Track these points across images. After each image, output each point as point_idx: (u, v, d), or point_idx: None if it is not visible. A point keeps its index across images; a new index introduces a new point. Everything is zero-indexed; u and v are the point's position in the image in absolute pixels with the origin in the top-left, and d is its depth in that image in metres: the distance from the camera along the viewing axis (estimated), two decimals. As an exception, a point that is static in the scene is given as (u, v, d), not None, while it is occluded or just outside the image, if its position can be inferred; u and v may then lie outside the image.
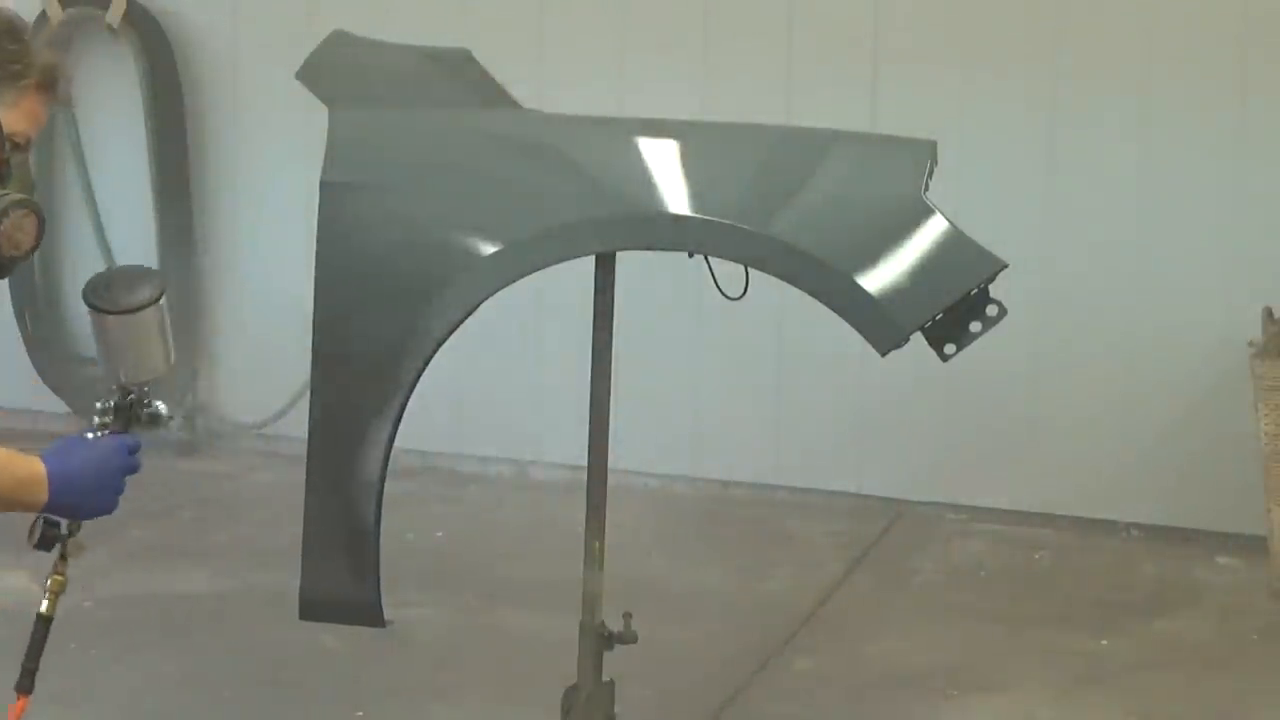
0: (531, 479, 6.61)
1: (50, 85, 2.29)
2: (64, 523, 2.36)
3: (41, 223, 2.31)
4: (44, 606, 2.45)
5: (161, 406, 2.47)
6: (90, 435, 2.39)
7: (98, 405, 2.43)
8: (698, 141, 3.37)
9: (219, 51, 6.96)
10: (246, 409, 7.00)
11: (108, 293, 2.38)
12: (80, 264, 7.15)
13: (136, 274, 2.42)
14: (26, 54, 2.24)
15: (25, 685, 2.45)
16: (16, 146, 2.25)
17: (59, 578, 2.43)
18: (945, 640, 4.99)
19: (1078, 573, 5.67)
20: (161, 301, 2.38)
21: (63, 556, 2.41)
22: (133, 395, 2.44)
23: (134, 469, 2.37)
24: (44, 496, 2.23)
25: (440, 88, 3.52)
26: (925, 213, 3.06)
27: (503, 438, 6.68)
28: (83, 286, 2.39)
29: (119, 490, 2.34)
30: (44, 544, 2.36)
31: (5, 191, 2.26)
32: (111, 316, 2.36)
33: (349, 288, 3.18)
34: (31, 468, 2.23)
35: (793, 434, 6.35)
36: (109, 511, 2.33)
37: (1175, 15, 5.77)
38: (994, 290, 3.05)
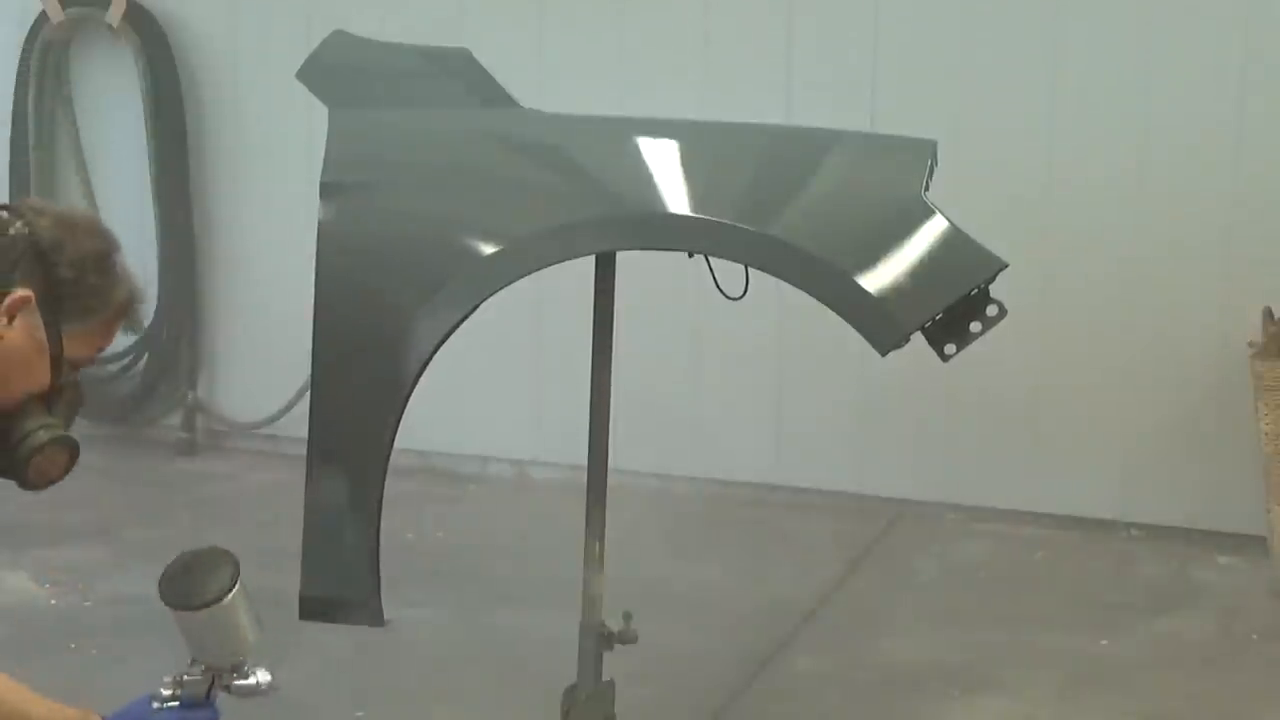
0: (531, 479, 6.61)
1: (124, 315, 2.26)
2: None
3: (74, 458, 2.30)
4: None
5: (261, 678, 2.41)
6: (155, 705, 2.36)
7: (165, 679, 2.39)
8: (698, 141, 3.37)
9: (219, 51, 6.96)
10: (246, 409, 7.01)
11: (184, 584, 2.34)
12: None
13: (208, 557, 2.37)
14: (110, 289, 2.20)
15: None
16: (74, 369, 2.23)
17: None
18: (945, 640, 4.99)
19: (1078, 573, 5.67)
20: (238, 585, 2.33)
21: None
22: (221, 670, 2.39)
23: None
24: None
25: (440, 88, 3.52)
26: (925, 213, 3.06)
27: (503, 438, 6.68)
28: (158, 581, 2.34)
29: None
30: None
31: (49, 422, 2.23)
32: (196, 613, 2.32)
33: (349, 288, 3.18)
34: None
35: (793, 434, 6.35)
36: None
37: (1175, 14, 5.77)
38: (994, 290, 3.05)
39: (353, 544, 3.15)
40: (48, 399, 2.22)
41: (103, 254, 2.20)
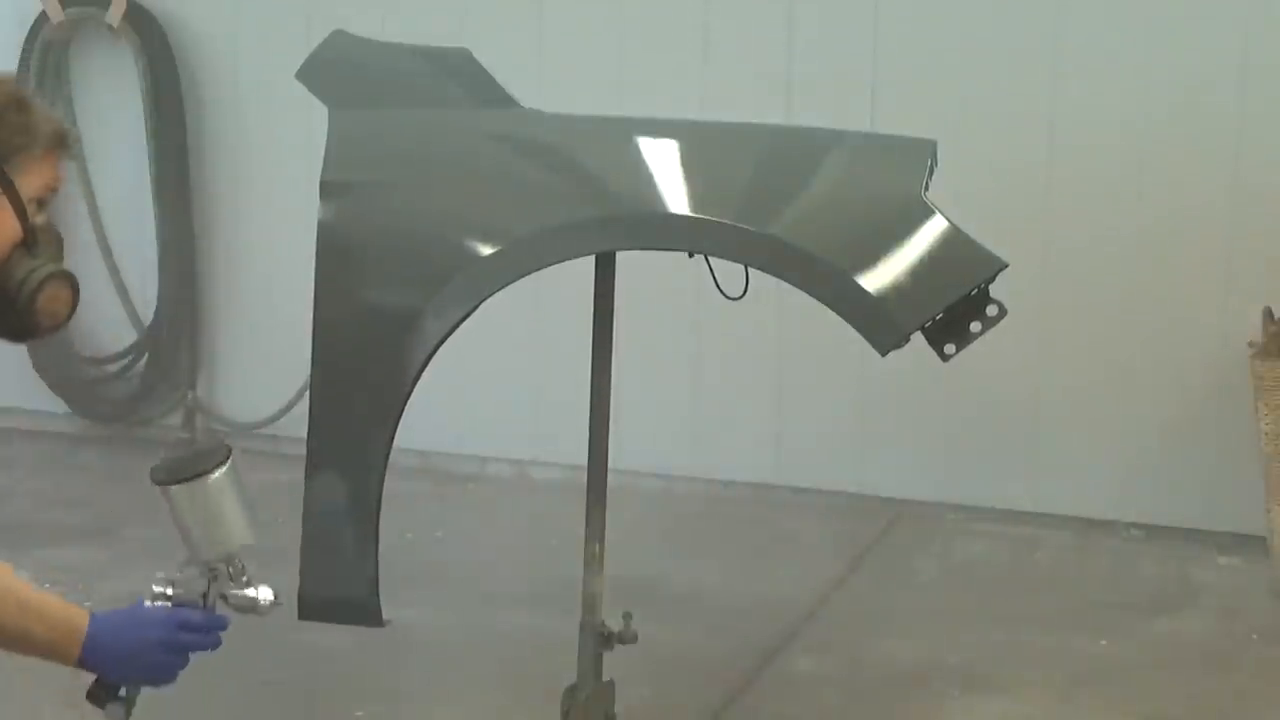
0: (531, 479, 6.61)
1: (59, 146, 2.30)
2: (120, 687, 2.32)
3: (76, 292, 2.31)
4: None
5: (261, 593, 2.38)
6: (146, 603, 2.35)
7: (159, 575, 2.38)
8: (698, 141, 3.37)
9: (219, 51, 6.96)
10: (246, 409, 7.01)
11: (176, 466, 2.35)
12: (80, 263, 7.14)
13: (205, 447, 2.38)
14: (32, 125, 2.25)
15: None
16: (40, 206, 2.27)
17: None
18: (945, 640, 4.99)
19: (1078, 573, 5.67)
20: (226, 468, 2.32)
21: None
22: (217, 573, 2.36)
23: (187, 646, 2.30)
24: (75, 651, 2.23)
25: (440, 88, 3.52)
26: (925, 213, 3.06)
27: (503, 438, 6.68)
28: (151, 470, 2.35)
29: (166, 664, 2.30)
30: (91, 697, 2.30)
31: (40, 262, 2.24)
32: (174, 488, 2.33)
33: (349, 287, 3.18)
34: (71, 621, 2.24)
35: (793, 434, 6.35)
36: (153, 682, 2.31)
37: (1176, 14, 5.77)
38: (994, 290, 3.05)
39: (353, 544, 3.16)
40: (28, 246, 2.23)
41: (14, 94, 2.27)
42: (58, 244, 2.32)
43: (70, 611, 2.25)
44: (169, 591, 2.34)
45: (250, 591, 2.37)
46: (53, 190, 2.29)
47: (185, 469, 2.33)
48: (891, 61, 6.08)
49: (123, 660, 2.27)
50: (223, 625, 2.34)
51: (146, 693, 2.34)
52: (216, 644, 2.33)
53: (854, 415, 6.25)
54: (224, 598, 2.36)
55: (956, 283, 3.01)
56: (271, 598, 2.38)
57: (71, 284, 2.30)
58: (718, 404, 6.42)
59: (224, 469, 2.31)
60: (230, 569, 2.36)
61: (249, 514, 2.35)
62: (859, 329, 3.00)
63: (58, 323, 2.31)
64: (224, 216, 7.03)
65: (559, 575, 4.63)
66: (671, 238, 3.15)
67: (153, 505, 5.82)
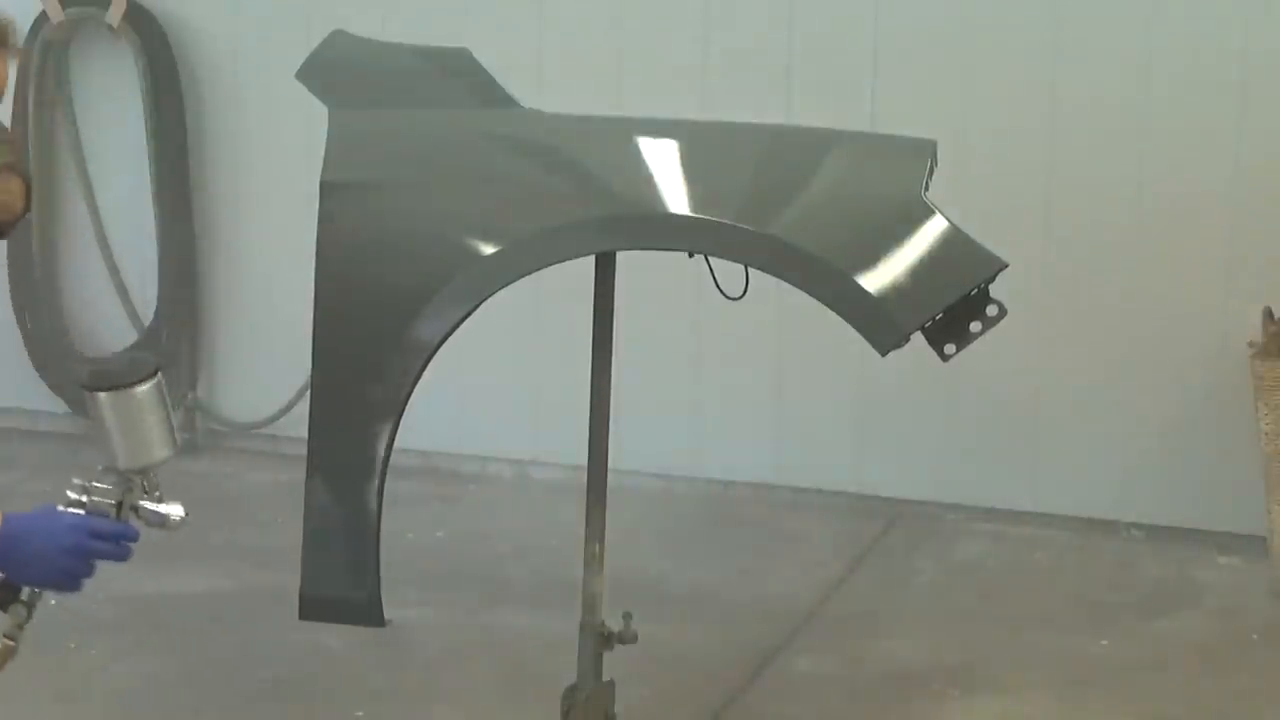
0: (531, 479, 6.61)
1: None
2: (24, 590, 2.36)
3: (28, 185, 2.32)
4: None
5: (172, 509, 2.40)
6: (59, 508, 2.36)
7: (74, 481, 2.40)
8: (698, 141, 3.37)
9: (219, 51, 6.96)
10: (246, 409, 7.01)
11: (104, 374, 2.38)
12: (80, 263, 7.16)
13: (134, 357, 2.43)
14: None
15: None
16: None
17: (8, 642, 2.41)
18: (945, 640, 4.99)
19: (1078, 573, 5.67)
20: (154, 383, 2.37)
21: (17, 625, 2.40)
22: (132, 484, 2.39)
23: (96, 553, 2.30)
24: None
25: (440, 88, 3.52)
26: (925, 213, 3.06)
27: (503, 438, 6.68)
28: (83, 375, 2.39)
29: (72, 570, 2.30)
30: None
31: None
32: (102, 395, 2.36)
33: (349, 288, 3.18)
34: None
35: (793, 434, 6.35)
36: (58, 587, 2.32)
37: (1176, 15, 5.77)
38: (994, 290, 3.05)
39: (353, 544, 3.16)
40: None
41: None
42: (16, 143, 2.33)
43: None
44: (83, 499, 2.38)
45: (162, 507, 2.41)
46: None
47: (114, 378, 2.37)
48: (891, 61, 6.08)
49: (30, 561, 2.29)
50: (133, 537, 2.36)
51: (74, 614, 2.37)
52: (125, 555, 2.34)
53: (854, 415, 6.25)
54: (135, 510, 2.39)
55: (956, 283, 3.01)
56: (181, 514, 2.42)
57: (22, 176, 2.30)
58: (718, 404, 6.42)
59: (151, 383, 2.37)
60: (145, 482, 2.41)
61: (169, 431, 2.41)
62: (859, 329, 3.00)
63: (13, 216, 2.33)
64: (224, 216, 7.02)
65: (559, 575, 4.64)
66: (671, 238, 3.15)
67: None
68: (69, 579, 2.31)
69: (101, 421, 2.39)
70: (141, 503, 2.39)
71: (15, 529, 2.27)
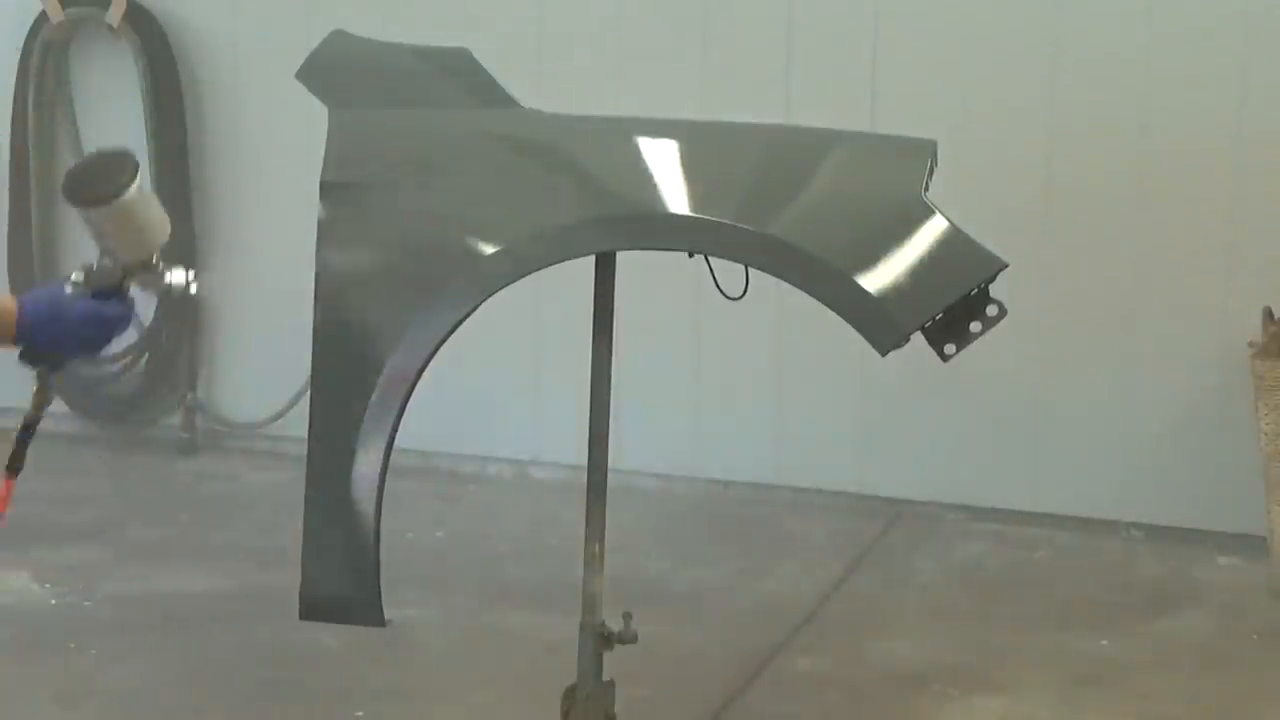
0: (531, 479, 6.61)
1: None
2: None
3: None
4: (29, 413, 2.64)
5: (174, 276, 2.54)
6: (68, 289, 2.50)
7: (79, 265, 2.52)
8: (698, 141, 3.37)
9: (219, 51, 6.96)
10: (246, 409, 7.01)
11: (87, 182, 2.44)
12: (80, 263, 7.15)
13: (109, 157, 2.47)
14: None
15: (15, 466, 2.66)
16: None
17: (42, 395, 2.63)
18: (945, 640, 4.99)
19: (1078, 573, 5.67)
20: (137, 180, 2.44)
21: (41, 384, 2.59)
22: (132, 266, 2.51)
23: (110, 330, 2.51)
24: (10, 333, 2.48)
25: (440, 88, 3.52)
26: (925, 213, 3.06)
27: (503, 438, 6.68)
28: (62, 183, 2.48)
29: (90, 343, 2.52)
30: (23, 357, 2.54)
31: None
32: (92, 210, 2.42)
33: (349, 288, 3.18)
34: (2, 304, 2.47)
35: (793, 434, 6.35)
36: (80, 356, 2.57)
37: (1176, 15, 5.77)
38: (994, 290, 3.05)
39: (353, 544, 3.15)
40: None
41: None
42: None
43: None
44: (85, 279, 2.49)
45: (166, 278, 2.54)
46: None
47: (99, 186, 2.42)
48: (891, 61, 6.09)
49: (50, 342, 2.51)
50: (132, 312, 2.55)
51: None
52: (126, 327, 2.55)
53: (854, 415, 6.26)
54: (140, 284, 2.52)
55: (956, 283, 3.01)
56: (184, 280, 2.54)
57: None
58: (718, 404, 6.42)
59: (136, 183, 2.43)
60: (143, 263, 2.52)
61: (161, 216, 2.50)
62: (859, 329, 3.00)
63: None
64: (224, 216, 7.03)
65: (559, 575, 4.63)
66: (671, 238, 3.15)
67: (153, 506, 5.83)
68: (89, 351, 2.56)
69: (96, 229, 2.47)
70: (145, 276, 2.51)
71: (33, 312, 2.47)
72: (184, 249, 6.97)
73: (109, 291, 2.50)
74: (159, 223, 2.50)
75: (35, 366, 2.54)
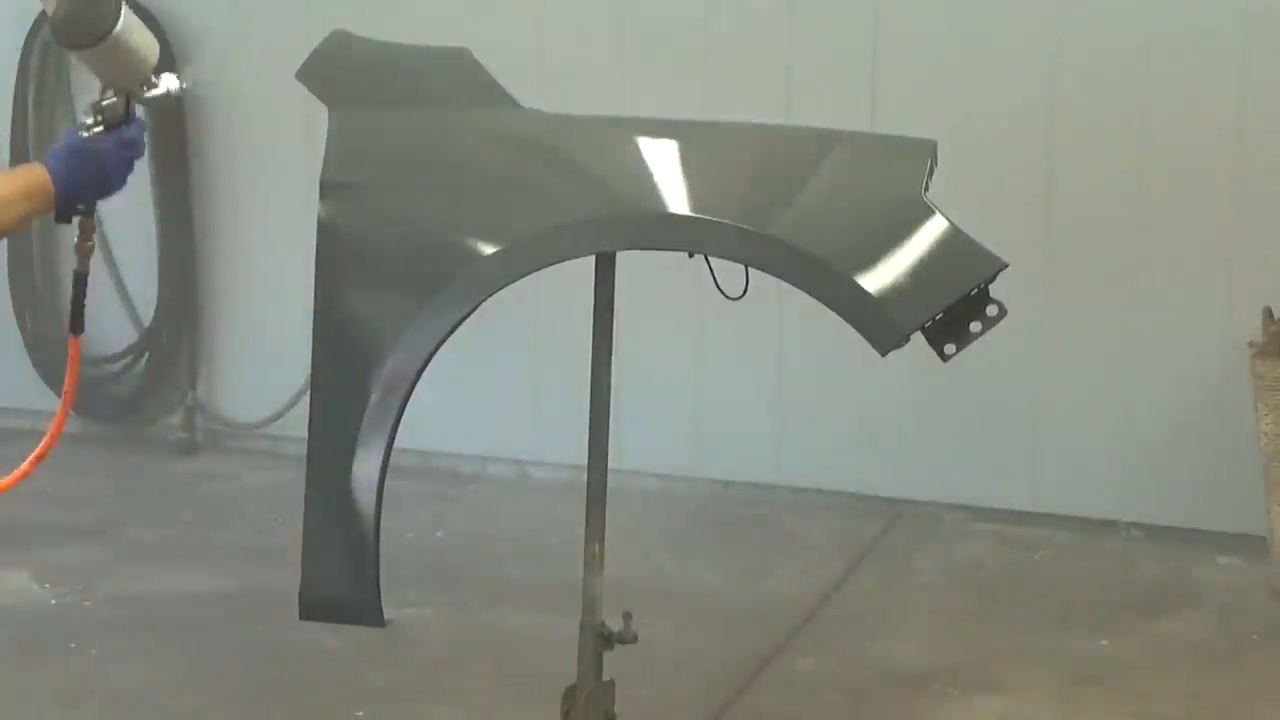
0: (531, 479, 6.61)
1: None
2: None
3: None
4: (78, 266, 2.87)
5: (169, 83, 2.72)
6: (83, 135, 2.69)
7: (85, 107, 2.74)
8: (698, 141, 3.36)
9: (219, 51, 6.96)
10: (246, 409, 7.01)
11: (75, 22, 2.58)
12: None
13: None
14: None
15: (76, 327, 2.93)
16: None
17: (88, 244, 2.85)
18: (945, 640, 4.99)
19: (1078, 573, 5.67)
20: (125, 12, 2.59)
21: (85, 230, 2.80)
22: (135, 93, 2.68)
23: (133, 158, 2.73)
24: (50, 191, 2.62)
25: (440, 88, 3.52)
26: (925, 213, 3.06)
27: (503, 438, 6.68)
28: (50, 24, 2.62)
29: (119, 178, 2.72)
30: (61, 218, 2.70)
31: None
32: (87, 51, 2.58)
33: (349, 287, 3.18)
34: (33, 172, 2.63)
35: (793, 434, 6.35)
36: (109, 193, 2.74)
37: (1176, 14, 5.77)
38: (994, 290, 3.05)
39: (353, 544, 3.15)
40: None
41: None
42: None
43: (27, 170, 2.65)
44: (100, 119, 2.70)
45: (162, 89, 2.74)
46: None
47: (91, 25, 2.58)
48: (891, 61, 6.08)
49: (88, 185, 2.69)
50: (144, 128, 2.76)
51: None
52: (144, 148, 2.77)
53: (854, 415, 6.25)
54: (141, 103, 2.68)
55: (956, 283, 3.01)
56: (178, 84, 2.74)
57: None
58: (718, 404, 6.42)
59: (124, 12, 2.58)
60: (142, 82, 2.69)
61: (149, 36, 2.68)
62: (859, 329, 3.00)
63: None
64: (224, 216, 7.02)
65: (559, 575, 4.63)
66: (671, 238, 3.15)
67: (153, 506, 5.82)
68: (118, 185, 2.74)
69: (95, 65, 2.64)
70: (146, 94, 2.68)
71: (62, 169, 2.64)
72: (184, 249, 6.98)
73: (120, 120, 2.68)
74: (150, 43, 2.67)
75: (75, 217, 2.70)
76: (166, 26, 6.94)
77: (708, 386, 6.43)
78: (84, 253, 2.84)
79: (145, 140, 2.76)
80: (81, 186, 2.66)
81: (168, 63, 6.80)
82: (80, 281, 2.86)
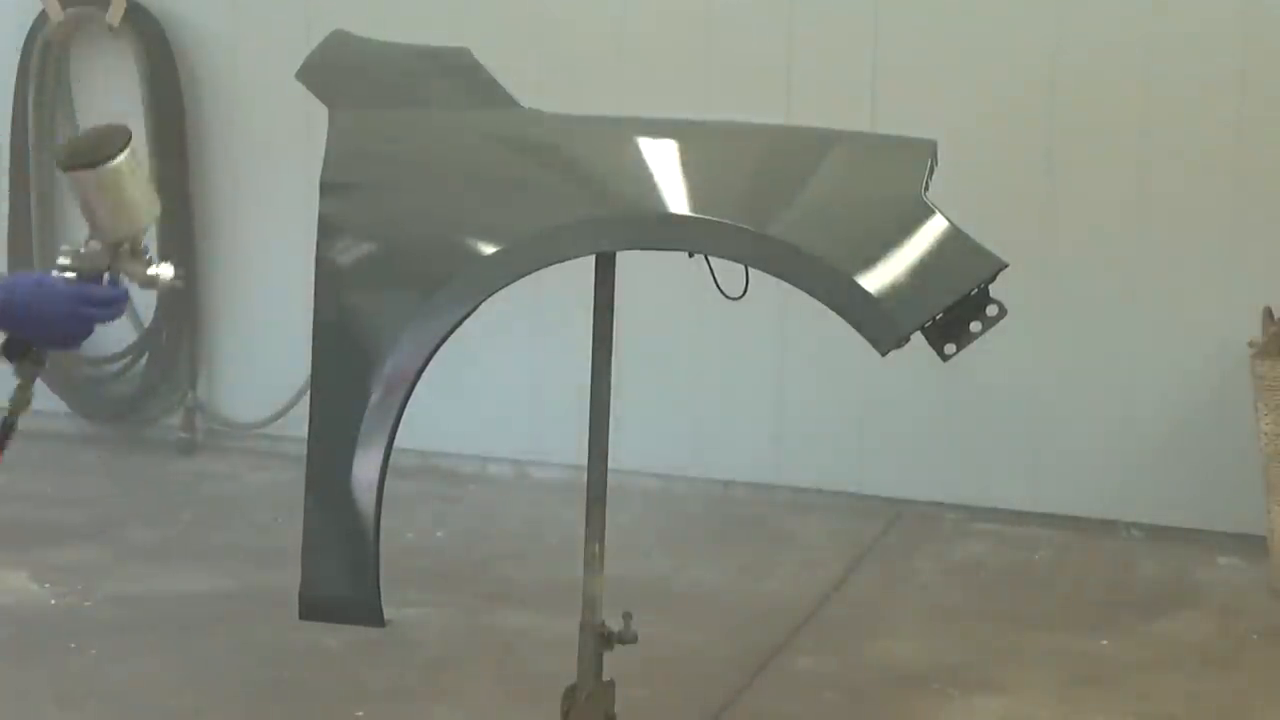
0: (531, 479, 6.61)
1: None
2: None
3: None
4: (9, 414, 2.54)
5: (162, 270, 2.53)
6: (55, 274, 2.48)
7: (63, 248, 2.51)
8: (698, 141, 3.37)
9: (219, 51, 6.96)
10: (246, 409, 7.01)
11: (80, 150, 2.45)
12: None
13: (105, 130, 2.48)
14: None
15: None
16: None
17: (25, 394, 2.54)
18: (945, 640, 4.99)
19: (1078, 573, 5.68)
20: (128, 152, 2.44)
21: (24, 379, 2.52)
22: (120, 251, 2.50)
23: (93, 319, 2.47)
24: None
25: (440, 88, 3.52)
26: (925, 213, 3.06)
27: (503, 438, 6.68)
28: (58, 150, 2.54)
29: (73, 333, 2.47)
30: (4, 352, 2.48)
31: None
32: (80, 173, 2.42)
33: (349, 288, 3.18)
34: None
35: (793, 434, 6.35)
36: (61, 347, 2.51)
37: (1176, 15, 5.77)
38: (994, 290, 3.05)
39: (352, 544, 3.15)
40: None
41: None
42: None
43: None
44: (72, 263, 2.48)
45: (151, 270, 2.52)
46: None
47: (91, 153, 2.43)
48: (891, 61, 6.08)
49: (32, 327, 2.45)
50: (124, 297, 2.50)
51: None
52: (118, 314, 2.51)
53: (854, 415, 6.25)
54: (125, 274, 2.50)
55: (956, 283, 3.01)
56: (171, 274, 2.54)
57: None
58: (718, 404, 6.42)
59: (127, 151, 2.43)
60: (132, 247, 2.50)
61: (151, 194, 2.50)
62: (859, 329, 3.00)
63: None
64: (224, 217, 7.02)
65: (559, 575, 4.64)
66: (671, 238, 3.15)
67: (153, 506, 5.83)
68: (70, 342, 2.49)
69: (84, 197, 2.45)
70: (132, 267, 2.50)
71: (16, 299, 2.42)
72: (183, 249, 6.97)
73: (96, 275, 2.48)
74: (148, 199, 2.50)
75: (17, 360, 2.49)
76: (166, 26, 6.96)
77: (708, 386, 6.43)
78: (19, 400, 2.52)
79: (119, 310, 2.50)
80: (30, 322, 2.43)
81: (162, 57, 6.86)
82: (5, 429, 2.52)
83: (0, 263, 7.17)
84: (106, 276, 2.49)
